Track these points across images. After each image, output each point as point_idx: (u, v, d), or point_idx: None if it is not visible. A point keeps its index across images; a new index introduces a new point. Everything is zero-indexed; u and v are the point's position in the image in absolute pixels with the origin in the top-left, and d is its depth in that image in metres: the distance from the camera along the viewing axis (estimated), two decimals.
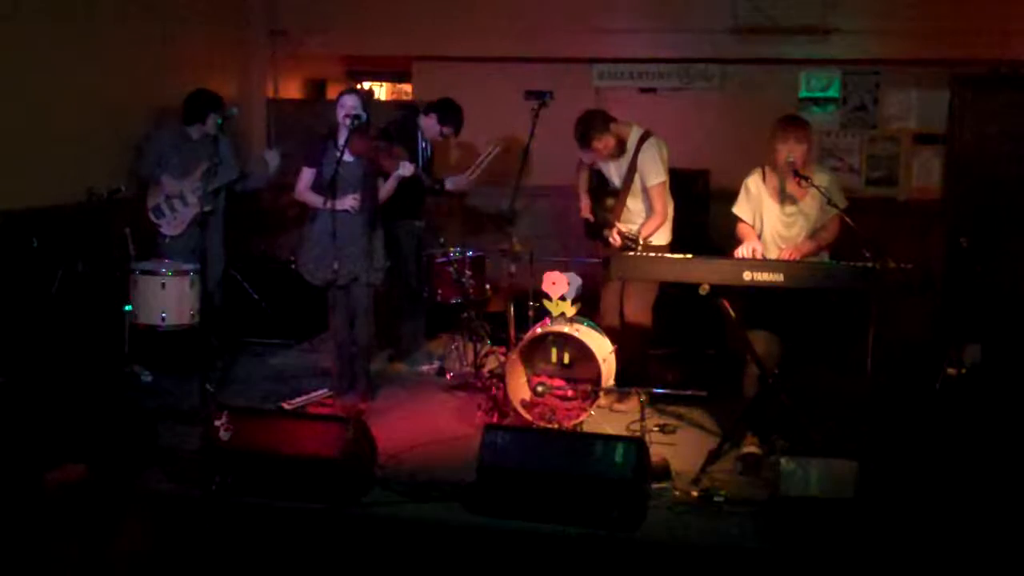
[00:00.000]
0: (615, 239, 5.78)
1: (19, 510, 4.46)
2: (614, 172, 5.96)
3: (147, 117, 6.97)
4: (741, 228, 5.36)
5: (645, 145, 5.86)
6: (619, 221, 5.92)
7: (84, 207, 6.11)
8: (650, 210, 5.89)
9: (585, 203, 6.11)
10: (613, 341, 5.71)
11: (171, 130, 6.62)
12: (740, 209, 5.38)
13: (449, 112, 6.71)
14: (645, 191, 5.88)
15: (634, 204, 5.94)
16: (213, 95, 6.60)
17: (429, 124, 6.70)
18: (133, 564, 4.34)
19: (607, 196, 6.01)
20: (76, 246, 6.11)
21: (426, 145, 6.74)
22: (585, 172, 6.14)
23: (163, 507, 4.60)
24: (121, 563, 4.32)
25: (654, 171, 5.84)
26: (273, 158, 6.61)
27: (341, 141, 5.68)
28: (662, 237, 5.94)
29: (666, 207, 5.89)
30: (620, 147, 5.85)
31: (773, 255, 5.23)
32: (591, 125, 5.80)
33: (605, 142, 5.80)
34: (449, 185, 6.70)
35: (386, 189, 5.92)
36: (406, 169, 5.82)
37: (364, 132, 5.66)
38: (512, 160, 6.48)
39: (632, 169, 5.86)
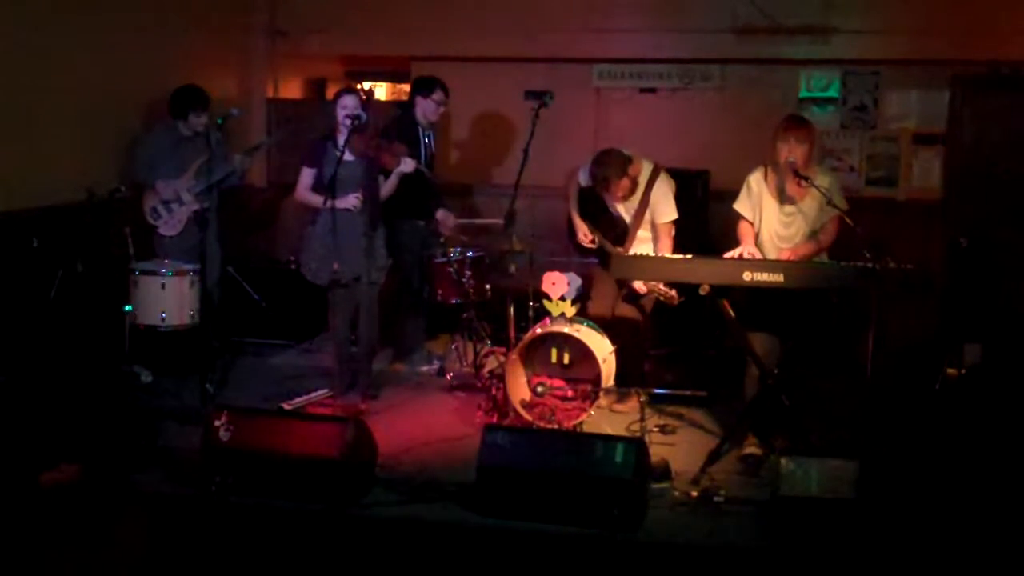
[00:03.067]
0: (641, 288, 5.70)
1: (15, 510, 4.46)
2: (621, 206, 5.92)
3: (147, 117, 6.96)
4: (741, 227, 5.36)
5: (658, 182, 5.81)
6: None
7: (84, 207, 6.11)
8: (656, 242, 5.85)
9: (583, 229, 6.05)
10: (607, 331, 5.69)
11: (163, 130, 6.59)
12: (741, 206, 5.37)
13: (423, 84, 6.65)
14: (653, 226, 5.85)
15: (643, 236, 5.91)
16: (196, 92, 6.50)
17: (422, 107, 6.61)
18: (131, 564, 4.34)
19: (608, 225, 5.97)
20: (76, 246, 6.11)
21: (429, 140, 6.74)
22: (576, 187, 6.07)
23: (163, 507, 4.60)
24: (119, 563, 4.32)
25: (668, 209, 5.80)
26: (244, 162, 6.58)
27: (341, 141, 5.68)
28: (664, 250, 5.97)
29: (672, 244, 5.84)
30: (633, 187, 5.80)
31: (771, 254, 5.23)
32: (610, 171, 5.68)
33: (622, 186, 5.74)
34: (439, 215, 6.66)
35: (388, 187, 5.93)
36: (407, 165, 5.84)
37: (364, 131, 5.67)
38: (512, 160, 6.48)
39: (644, 204, 5.82)
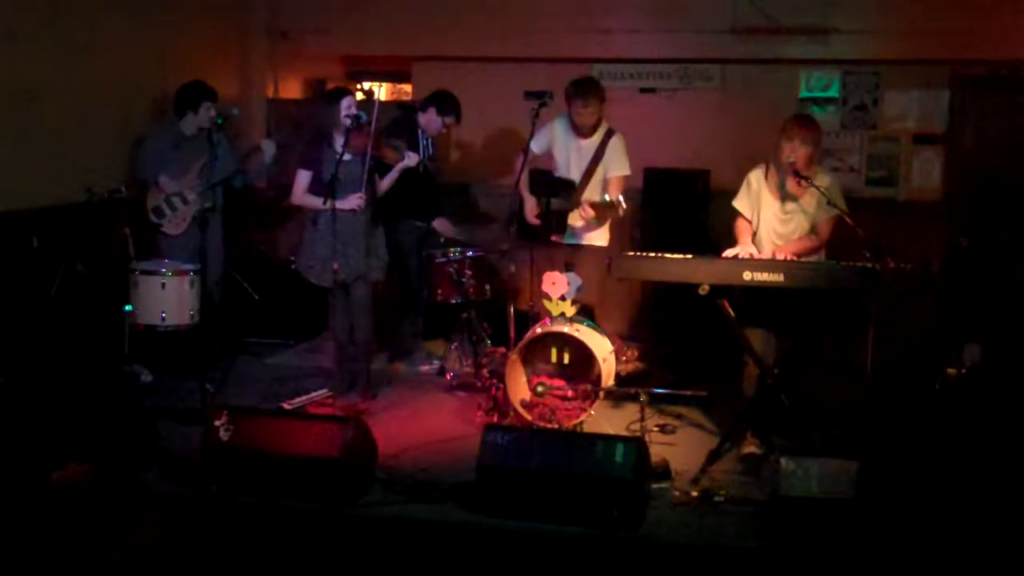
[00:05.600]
0: (586, 213, 5.77)
1: (26, 509, 4.46)
2: (573, 158, 6.02)
3: (147, 117, 6.97)
4: (739, 225, 5.36)
5: (615, 137, 6.00)
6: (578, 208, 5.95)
7: (84, 207, 6.11)
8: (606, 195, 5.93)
9: (531, 205, 6.08)
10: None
11: (166, 131, 6.59)
12: (740, 203, 5.37)
13: (446, 102, 6.70)
14: (604, 182, 5.96)
15: (592, 194, 5.99)
16: (203, 84, 6.53)
17: (429, 119, 6.69)
18: (137, 563, 4.34)
19: (554, 190, 6.02)
20: (76, 246, 6.11)
21: (427, 142, 6.75)
22: (524, 162, 6.12)
23: (163, 507, 4.61)
24: (126, 562, 4.32)
25: (622, 162, 5.99)
26: (269, 147, 6.57)
27: (339, 141, 5.68)
28: (603, 238, 6.06)
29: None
30: (594, 127, 5.98)
31: (768, 251, 5.23)
32: (594, 91, 5.92)
33: (591, 113, 5.91)
34: (436, 224, 6.72)
35: (387, 181, 5.94)
36: (411, 159, 5.86)
37: (362, 130, 5.67)
38: (513, 161, 6.49)
39: (598, 156, 5.96)
